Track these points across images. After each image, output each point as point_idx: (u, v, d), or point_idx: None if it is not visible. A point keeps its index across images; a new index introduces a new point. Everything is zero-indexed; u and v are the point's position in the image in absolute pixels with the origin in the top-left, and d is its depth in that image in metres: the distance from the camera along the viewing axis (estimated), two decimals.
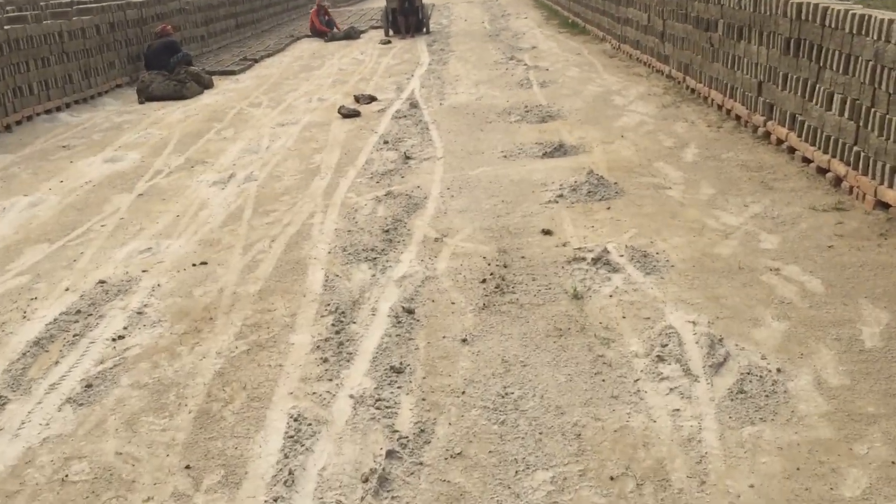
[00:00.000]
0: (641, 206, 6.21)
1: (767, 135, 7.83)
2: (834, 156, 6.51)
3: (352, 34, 19.83)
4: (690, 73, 10.24)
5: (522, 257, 5.36)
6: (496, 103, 10.58)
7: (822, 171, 6.67)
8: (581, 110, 9.79)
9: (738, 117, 8.59)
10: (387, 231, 5.95)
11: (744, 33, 8.37)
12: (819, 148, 6.78)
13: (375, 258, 5.46)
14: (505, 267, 5.20)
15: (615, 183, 6.75)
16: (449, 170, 7.61)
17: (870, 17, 6.01)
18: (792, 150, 7.28)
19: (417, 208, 6.50)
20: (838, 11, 6.45)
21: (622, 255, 5.20)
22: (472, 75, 13.00)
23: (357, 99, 11.27)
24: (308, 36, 20.57)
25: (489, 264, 5.26)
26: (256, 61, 16.40)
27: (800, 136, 7.15)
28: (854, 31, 6.18)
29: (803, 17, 7.03)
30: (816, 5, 6.82)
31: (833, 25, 6.51)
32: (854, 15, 6.19)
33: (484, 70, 13.46)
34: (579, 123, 9.12)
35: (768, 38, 7.78)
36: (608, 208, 6.22)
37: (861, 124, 6.10)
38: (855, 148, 6.17)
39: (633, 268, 5.03)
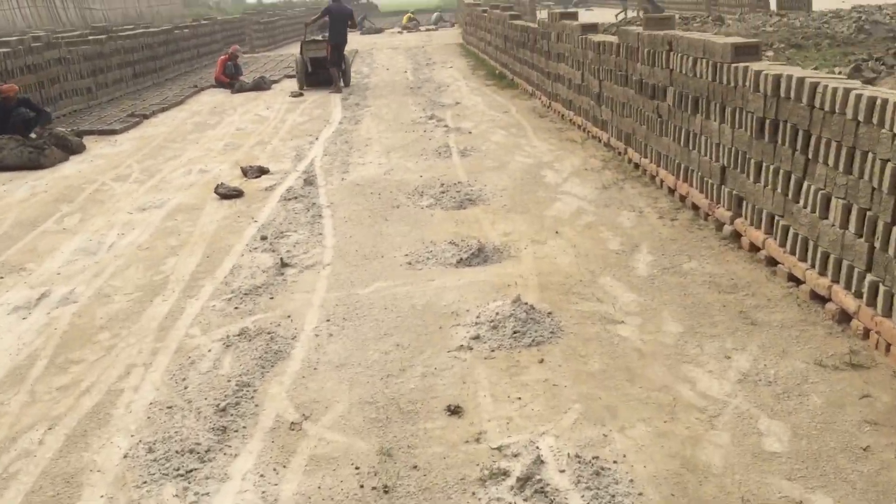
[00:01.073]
0: (586, 359, 4.45)
1: (737, 236, 6.18)
2: (836, 281, 4.86)
3: (262, 85, 17.98)
4: (633, 144, 8.63)
5: (414, 467, 3.52)
6: (408, 178, 8.81)
7: (820, 299, 5.01)
8: (507, 190, 8.08)
9: (695, 207, 6.96)
10: (223, 410, 4.05)
11: (700, 106, 6.76)
12: (812, 266, 5.13)
13: (192, 471, 3.56)
14: (385, 492, 3.35)
15: (549, 314, 4.99)
16: (335, 286, 5.76)
17: (884, 101, 4.40)
18: (773, 262, 5.63)
19: (278, 359, 4.62)
20: (834, 90, 4.84)
21: (563, 471, 3.41)
22: (386, 139, 11.23)
23: (244, 172, 9.38)
24: (214, 86, 18.63)
25: (361, 486, 3.41)
26: (146, 117, 14.40)
27: (783, 245, 5.51)
28: (861, 119, 4.56)
29: (782, 95, 5.42)
30: (801, 80, 5.21)
31: (827, 108, 4.89)
32: (860, 97, 4.58)
33: (399, 132, 11.71)
34: (504, 211, 7.39)
35: (734, 114, 6.16)
36: (541, 361, 4.44)
37: (877, 244, 4.46)
38: (869, 276, 4.52)
39: (579, 499, 3.23)
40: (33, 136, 11.24)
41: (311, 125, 12.87)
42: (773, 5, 28.90)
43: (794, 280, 5.32)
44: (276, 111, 14.54)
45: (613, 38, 9.40)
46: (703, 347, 4.53)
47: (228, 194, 8.39)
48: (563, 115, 11.93)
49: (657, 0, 31.57)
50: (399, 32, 37.97)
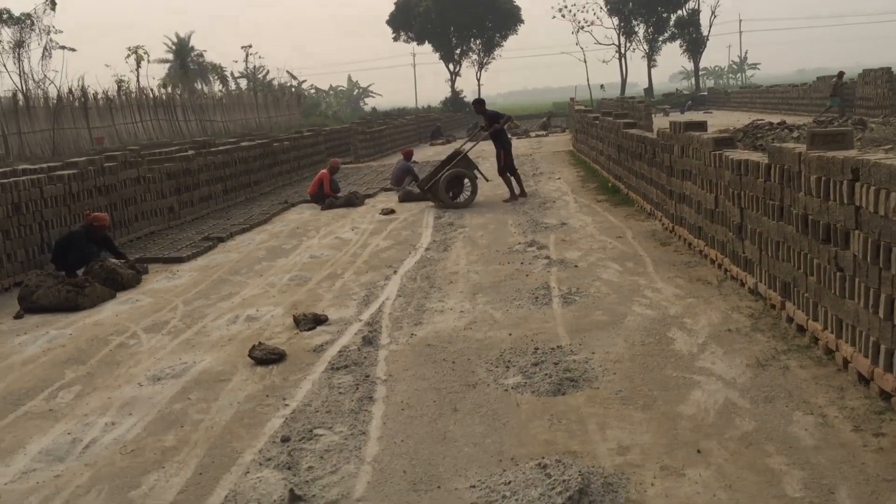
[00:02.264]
0: None
1: None
2: None
3: (353, 201, 16.54)
4: (795, 298, 6.36)
5: None
6: (494, 337, 6.78)
7: None
8: (622, 364, 5.91)
9: None
10: None
11: None
12: None
13: None
14: None
15: None
16: None
17: None
18: None
19: None
20: None
21: None
22: (475, 273, 9.29)
23: (297, 322, 7.57)
24: (307, 201, 17.31)
25: None
26: (222, 240, 13.01)
27: None
28: None
29: None
30: None
31: None
32: None
33: (492, 264, 9.75)
34: (619, 402, 5.22)
35: None
36: None
37: None
38: None
39: None
40: (80, 272, 9.86)
41: (394, 252, 11.09)
42: None
43: None
44: (360, 233, 12.89)
45: (760, 158, 7.26)
46: None
47: (265, 358, 6.54)
48: (690, 244, 9.72)
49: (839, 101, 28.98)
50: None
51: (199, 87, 57.00)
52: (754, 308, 7.05)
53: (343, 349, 6.75)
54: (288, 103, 59.70)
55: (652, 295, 7.77)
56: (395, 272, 9.73)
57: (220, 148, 18.17)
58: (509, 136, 16.66)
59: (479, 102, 16.14)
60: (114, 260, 10.14)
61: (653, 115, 31.50)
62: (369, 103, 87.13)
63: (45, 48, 36.91)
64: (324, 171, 17.35)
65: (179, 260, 11.49)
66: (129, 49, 44.93)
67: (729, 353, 5.97)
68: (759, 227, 7.12)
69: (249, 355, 6.59)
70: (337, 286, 9.22)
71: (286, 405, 5.61)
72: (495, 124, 15.59)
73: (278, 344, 7.04)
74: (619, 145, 15.17)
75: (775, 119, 22.82)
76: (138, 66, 44.25)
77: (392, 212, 15.04)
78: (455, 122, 49.11)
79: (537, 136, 37.39)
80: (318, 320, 7.59)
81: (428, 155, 29.69)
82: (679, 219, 10.34)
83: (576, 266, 9.28)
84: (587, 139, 21.27)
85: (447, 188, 15.02)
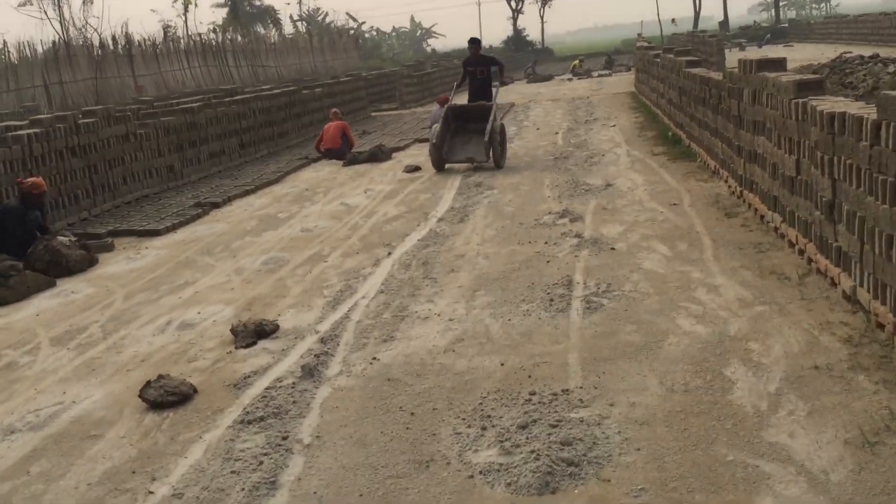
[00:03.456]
0: None
1: None
2: None
3: (378, 155, 14.57)
4: None
5: None
6: (478, 369, 4.85)
7: None
8: (651, 430, 3.92)
9: None
10: None
11: None
12: None
13: None
14: None
15: None
16: None
17: None
18: None
19: None
20: None
21: None
22: (484, 258, 7.33)
23: (235, 334, 5.74)
24: (319, 156, 15.44)
25: None
26: (217, 206, 11.26)
27: None
28: None
29: None
30: None
31: None
32: None
33: (510, 244, 7.75)
34: None
35: None
36: None
37: None
38: None
39: None
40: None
41: (401, 224, 9.17)
42: None
43: None
44: (372, 196, 10.99)
45: (864, 110, 5.04)
46: None
47: (162, 401, 4.73)
48: (762, 217, 7.54)
49: None
50: (568, 80, 34.03)
51: (257, 31, 55.32)
52: (852, 326, 4.92)
53: (273, 384, 4.89)
54: (345, 46, 57.50)
55: (707, 298, 5.68)
56: (389, 254, 7.82)
57: (237, 97, 16.36)
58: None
59: (475, 42, 13.34)
60: (63, 238, 8.45)
61: (726, 51, 28.49)
62: (432, 44, 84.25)
63: None
64: (340, 122, 15.43)
65: (155, 233, 9.79)
66: None
67: (816, 415, 3.90)
68: (861, 208, 4.94)
69: (141, 395, 4.77)
70: (313, 274, 7.36)
71: (149, 495, 3.79)
72: (503, 76, 13.96)
73: (200, 368, 5.24)
74: (680, 88, 12.81)
75: (866, 52, 19.87)
76: (186, 10, 42.69)
77: (417, 169, 13.06)
78: (513, 62, 46.34)
79: (600, 75, 34.64)
80: (263, 332, 5.74)
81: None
82: (749, 183, 8.12)
83: (612, 248, 7.20)
84: (648, 80, 18.80)
85: (488, 147, 12.11)
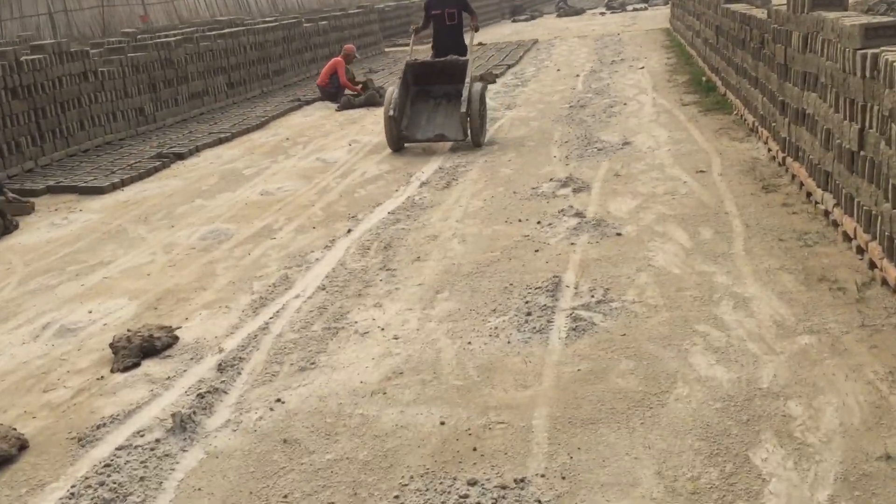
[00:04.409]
0: None
1: None
2: None
3: (375, 99, 13.04)
4: None
5: None
6: (407, 431, 3.54)
7: None
8: None
9: None
10: None
11: None
12: None
13: None
14: None
15: None
16: None
17: None
18: None
19: None
20: None
21: None
22: (458, 243, 5.93)
23: (115, 350, 4.43)
24: (322, 99, 13.94)
25: None
26: (182, 157, 9.91)
27: None
28: None
29: None
30: None
31: None
32: None
33: (495, 221, 6.33)
34: None
35: None
36: None
37: None
38: None
39: None
40: None
41: (377, 188, 7.76)
42: None
43: None
44: (355, 151, 9.56)
45: None
46: None
47: None
48: (808, 194, 6.01)
49: None
50: (601, 14, 31.83)
51: None
52: None
53: (128, 442, 3.56)
54: None
55: (733, 318, 4.24)
56: (349, 231, 6.43)
57: (225, 31, 14.83)
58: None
59: None
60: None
61: None
62: None
63: None
64: (337, 58, 13.88)
65: (98, 191, 8.48)
66: None
67: None
68: None
69: None
70: (252, 257, 6.01)
71: None
72: (475, 22, 10.29)
73: (53, 403, 3.97)
74: (717, 26, 11.10)
75: None
76: None
77: None
78: None
79: (635, 9, 32.36)
80: (151, 349, 4.42)
81: (504, 35, 25.59)
82: (794, 148, 6.57)
83: (618, 234, 5.75)
84: (684, 16, 16.92)
85: (465, 120, 8.88)
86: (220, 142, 10.81)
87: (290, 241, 6.34)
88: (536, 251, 5.57)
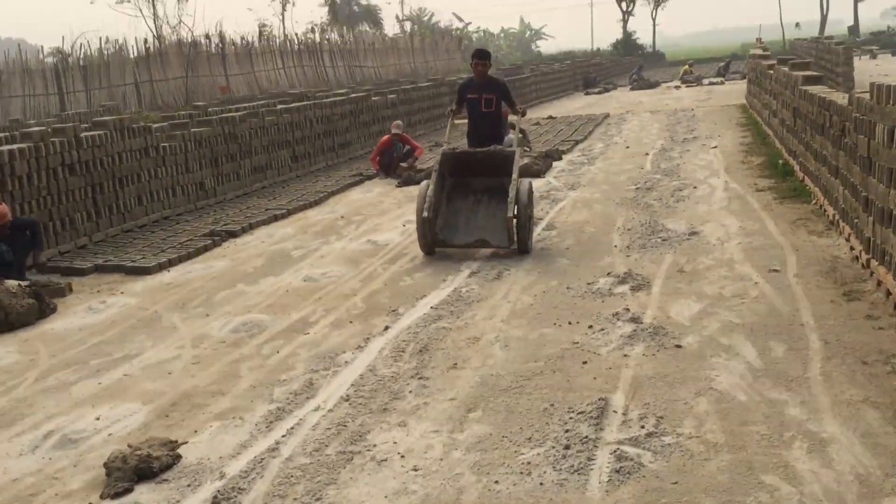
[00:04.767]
0: None
1: None
2: None
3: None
4: None
5: None
6: None
7: None
8: None
9: None
10: None
11: None
12: None
13: None
14: None
15: None
16: None
17: None
18: None
19: None
20: None
21: None
22: (500, 349, 5.46)
23: (108, 472, 4.01)
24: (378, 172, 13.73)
25: None
26: (234, 235, 9.71)
27: None
28: None
29: None
30: None
31: None
32: None
33: (542, 324, 5.82)
34: None
35: None
36: None
37: None
38: None
39: None
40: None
41: (424, 277, 7.37)
42: None
43: None
44: (407, 233, 9.19)
45: None
46: None
47: None
48: None
49: None
50: (675, 87, 31.35)
51: (360, 29, 54.45)
52: None
53: None
54: (447, 47, 56.00)
55: (806, 468, 3.59)
56: (386, 328, 5.98)
57: (292, 105, 14.85)
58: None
59: (482, 57, 8.67)
60: (11, 283, 6.97)
61: (855, 58, 25.25)
62: (541, 46, 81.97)
63: None
64: (386, 136, 13.70)
65: (144, 271, 8.26)
66: None
67: None
68: None
69: None
70: (279, 356, 5.60)
71: None
72: (517, 109, 8.67)
73: None
74: (794, 108, 10.48)
75: None
76: (283, 9, 41.93)
77: None
78: (619, 67, 43.73)
79: (710, 83, 31.81)
80: (147, 471, 4.00)
81: (575, 108, 25.31)
82: (879, 252, 5.89)
83: (678, 346, 5.14)
84: (760, 94, 16.30)
85: (511, 225, 7.61)
86: (275, 219, 10.59)
87: (323, 337, 5.93)
88: (585, 363, 5.01)
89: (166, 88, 31.37)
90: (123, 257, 8.74)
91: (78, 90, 29.01)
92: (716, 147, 13.92)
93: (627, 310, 5.87)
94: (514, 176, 7.73)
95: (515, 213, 7.55)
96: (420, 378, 5.01)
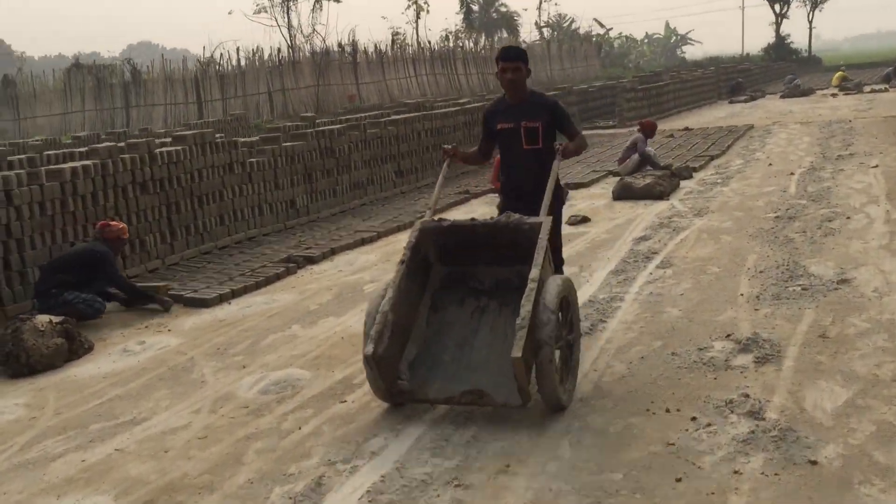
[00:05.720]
0: None
1: None
2: None
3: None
4: None
5: None
6: None
7: None
8: None
9: None
10: None
11: None
12: None
13: None
14: None
15: None
16: None
17: None
18: None
19: None
20: None
21: None
22: (573, 441, 4.17)
23: None
24: (493, 190, 12.55)
25: None
26: (312, 261, 8.81)
27: None
28: None
29: None
30: None
31: None
32: None
33: (633, 407, 4.49)
34: None
35: None
36: None
37: None
38: None
39: None
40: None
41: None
42: None
43: None
44: None
45: None
46: None
47: None
48: None
49: None
50: (832, 95, 28.55)
51: (497, 37, 53.56)
52: None
53: None
54: (586, 54, 54.14)
55: None
56: (434, 406, 4.77)
57: (398, 117, 13.92)
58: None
59: (512, 57, 5.32)
60: (43, 317, 6.25)
61: None
62: (687, 52, 78.54)
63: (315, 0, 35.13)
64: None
65: (202, 303, 7.44)
66: (408, 0, 42.25)
67: None
68: None
69: None
70: (298, 435, 4.54)
71: None
72: (576, 136, 5.39)
73: None
74: None
75: None
76: (417, 17, 41.49)
77: (585, 220, 9.83)
78: (771, 73, 40.69)
79: (873, 90, 28.77)
80: None
81: (716, 118, 23.31)
82: None
83: (812, 462, 3.71)
84: None
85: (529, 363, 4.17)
86: (362, 242, 9.63)
87: (359, 409, 4.81)
88: (678, 480, 3.65)
89: (297, 97, 31.40)
90: (188, 285, 7.95)
91: (215, 98, 29.43)
92: (876, 167, 11.94)
93: (746, 396, 4.44)
94: (536, 271, 4.35)
95: (533, 342, 4.16)
96: (457, 486, 3.79)
